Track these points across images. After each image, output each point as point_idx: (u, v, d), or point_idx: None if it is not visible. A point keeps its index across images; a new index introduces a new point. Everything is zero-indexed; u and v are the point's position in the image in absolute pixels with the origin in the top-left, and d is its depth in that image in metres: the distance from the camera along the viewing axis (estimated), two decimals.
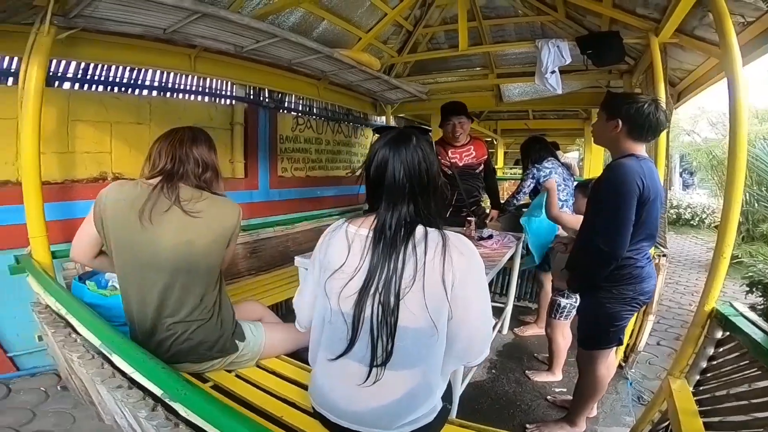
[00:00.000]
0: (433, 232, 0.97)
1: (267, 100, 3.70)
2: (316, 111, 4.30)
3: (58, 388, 2.20)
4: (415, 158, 0.97)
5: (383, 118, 4.98)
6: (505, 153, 9.25)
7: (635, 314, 2.21)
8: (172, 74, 2.99)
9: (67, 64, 2.46)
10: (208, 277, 1.37)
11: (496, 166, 4.89)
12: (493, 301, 3.12)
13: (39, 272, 1.76)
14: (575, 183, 2.67)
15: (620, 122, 1.50)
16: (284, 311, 2.64)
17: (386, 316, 0.92)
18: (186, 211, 1.28)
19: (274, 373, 1.53)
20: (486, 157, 3.10)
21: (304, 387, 1.34)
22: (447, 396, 1.11)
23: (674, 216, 10.12)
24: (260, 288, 2.67)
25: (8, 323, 2.23)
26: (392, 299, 0.92)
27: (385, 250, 0.94)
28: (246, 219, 1.49)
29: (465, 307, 0.95)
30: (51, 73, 2.35)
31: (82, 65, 2.51)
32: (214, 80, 3.27)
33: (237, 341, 1.48)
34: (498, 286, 3.60)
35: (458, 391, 1.69)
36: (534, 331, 2.95)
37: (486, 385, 2.31)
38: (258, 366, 1.57)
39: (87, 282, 1.74)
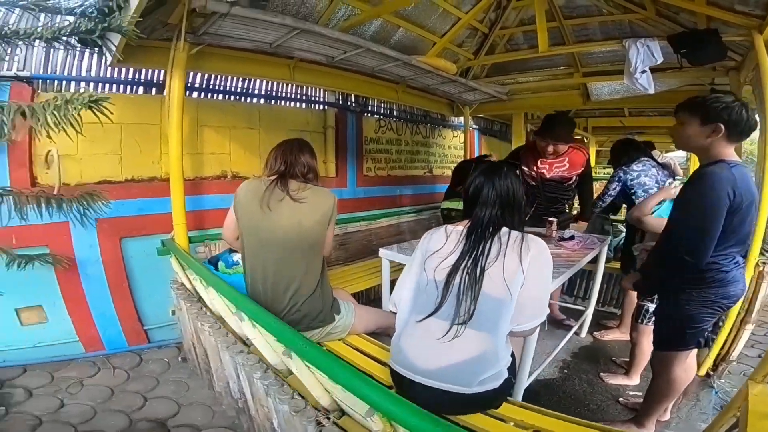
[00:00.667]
0: (514, 232, 1.29)
1: (353, 104, 4.03)
2: (396, 113, 4.55)
3: (179, 359, 2.57)
4: (504, 185, 1.33)
5: (461, 119, 5.05)
6: (598, 152, 8.64)
7: (726, 321, 2.11)
8: (275, 83, 3.41)
9: (195, 76, 2.94)
10: (312, 253, 1.68)
11: None
12: (573, 304, 3.09)
13: (182, 253, 2.16)
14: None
15: (722, 127, 1.44)
16: (364, 300, 2.89)
17: (472, 283, 1.20)
18: (295, 199, 1.63)
19: (357, 349, 1.75)
20: (583, 170, 2.85)
21: (383, 364, 1.54)
22: (511, 371, 1.27)
23: None
24: (347, 277, 2.93)
25: (147, 300, 2.71)
26: (478, 271, 1.21)
27: (476, 238, 1.27)
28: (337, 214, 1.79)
29: (533, 283, 1.21)
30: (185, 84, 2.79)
31: (207, 76, 3.00)
32: (310, 88, 3.65)
33: (334, 314, 1.76)
34: (581, 290, 3.50)
35: (524, 382, 1.76)
36: (615, 335, 2.85)
37: (555, 383, 2.32)
38: (344, 342, 1.81)
39: (219, 262, 2.12)
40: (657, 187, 2.57)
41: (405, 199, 4.57)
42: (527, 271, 1.21)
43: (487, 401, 1.25)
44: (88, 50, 2.45)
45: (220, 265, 2.12)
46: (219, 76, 3.07)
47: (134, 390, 2.24)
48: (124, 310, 2.62)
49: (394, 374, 1.29)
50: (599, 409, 2.09)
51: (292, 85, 3.51)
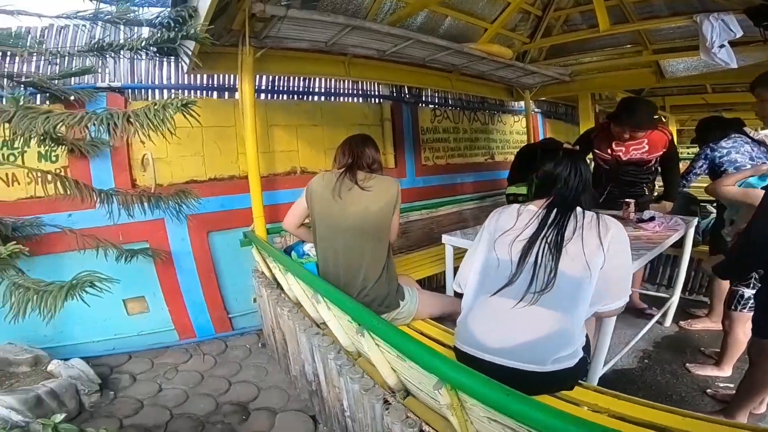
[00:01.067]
0: (588, 212, 1.30)
1: (407, 96, 4.07)
2: (451, 102, 4.52)
3: (259, 345, 2.77)
4: (586, 171, 1.36)
5: (521, 103, 4.89)
6: (679, 131, 7.90)
7: None
8: (332, 80, 3.54)
9: (260, 78, 3.14)
10: (379, 238, 1.77)
11: None
12: (657, 292, 2.90)
13: (262, 243, 2.34)
14: None
15: None
16: (427, 287, 2.92)
17: (552, 253, 1.20)
18: (362, 187, 1.74)
19: (422, 333, 1.81)
20: (664, 151, 2.63)
21: (448, 347, 1.57)
22: (586, 350, 1.25)
23: None
24: (410, 264, 3.00)
25: (231, 290, 2.97)
26: (558, 240, 1.21)
27: (558, 212, 1.28)
28: None
29: (615, 263, 1.20)
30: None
31: (271, 78, 3.20)
32: (365, 82, 3.75)
33: (399, 299, 1.83)
34: (664, 278, 3.27)
35: (598, 371, 1.70)
36: (705, 325, 2.64)
37: (634, 373, 2.22)
38: (409, 327, 1.87)
39: (292, 252, 2.28)
40: (751, 165, 2.34)
41: (466, 186, 4.53)
42: (608, 250, 1.19)
43: (561, 381, 1.22)
44: (165, 60, 2.73)
45: (293, 255, 2.28)
46: (282, 78, 3.26)
47: (220, 375, 2.44)
48: (212, 299, 2.89)
49: (461, 355, 1.27)
50: (683, 400, 1.97)
51: (348, 81, 3.62)
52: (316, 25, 2.31)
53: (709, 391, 2.00)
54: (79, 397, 2.01)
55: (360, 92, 3.77)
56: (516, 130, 5.32)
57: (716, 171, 2.48)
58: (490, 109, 4.95)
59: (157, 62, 2.76)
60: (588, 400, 1.24)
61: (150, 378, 2.40)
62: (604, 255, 1.18)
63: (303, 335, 1.81)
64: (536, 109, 5.51)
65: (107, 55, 2.15)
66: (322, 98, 3.52)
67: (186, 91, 2.89)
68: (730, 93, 5.09)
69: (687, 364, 2.23)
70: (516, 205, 1.38)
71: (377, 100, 3.87)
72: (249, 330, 2.97)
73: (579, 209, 1.30)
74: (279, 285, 2.22)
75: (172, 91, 2.84)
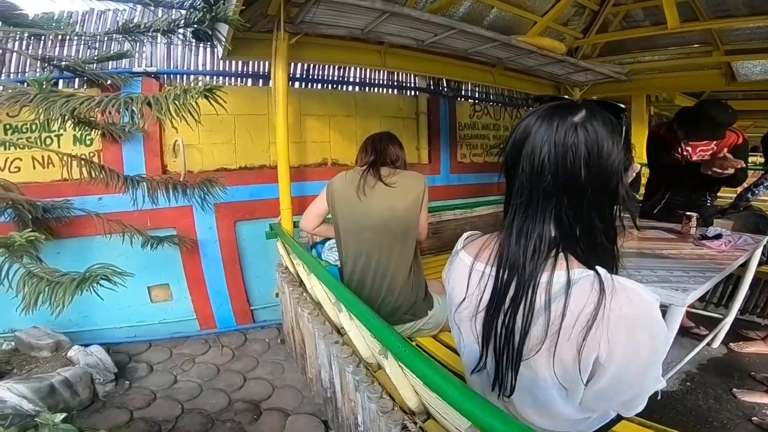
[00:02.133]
0: (584, 280, 0.65)
1: (446, 89, 3.89)
2: (492, 97, 4.30)
3: (278, 341, 2.70)
4: (572, 138, 0.64)
5: None
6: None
7: None
8: (367, 70, 3.41)
9: (295, 66, 3.05)
10: (406, 237, 1.64)
11: None
12: (705, 310, 2.63)
13: (288, 238, 2.25)
14: None
15: None
16: None
17: (509, 351, 0.72)
18: (387, 184, 1.62)
19: (448, 346, 1.66)
20: (736, 152, 2.24)
21: None
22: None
23: None
24: (441, 266, 2.80)
25: (255, 281, 2.92)
26: (517, 335, 0.69)
27: (509, 281, 0.70)
28: (430, 201, 1.69)
29: (619, 374, 0.66)
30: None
31: (306, 66, 3.10)
32: (401, 73, 3.60)
33: (427, 308, 1.70)
34: (714, 296, 2.96)
35: None
36: (758, 348, 2.38)
37: (675, 396, 2.01)
38: (435, 338, 1.74)
39: (313, 250, 2.19)
40: None
41: (504, 187, 4.28)
42: (603, 367, 0.65)
43: None
44: (202, 45, 2.68)
45: (313, 253, 2.18)
46: (317, 66, 3.16)
47: (236, 369, 2.38)
48: (235, 290, 2.86)
49: None
50: (724, 427, 1.77)
51: (383, 72, 3.49)
52: (352, 10, 2.18)
53: (755, 419, 1.78)
54: (93, 386, 2.01)
55: (395, 83, 3.62)
56: None
57: None
58: (533, 106, 4.66)
59: (193, 48, 2.73)
60: None
61: (167, 369, 2.39)
62: (592, 367, 0.66)
63: (322, 341, 1.70)
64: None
65: (141, 39, 2.12)
66: (357, 88, 3.40)
67: (221, 78, 2.85)
68: None
69: (733, 390, 2.00)
70: (465, 259, 0.83)
71: (413, 92, 3.71)
72: (270, 323, 2.92)
73: (563, 273, 0.66)
74: (302, 283, 2.13)
75: (207, 77, 2.80)
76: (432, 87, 3.81)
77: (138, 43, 2.28)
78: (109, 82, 2.36)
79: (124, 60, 2.51)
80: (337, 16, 2.25)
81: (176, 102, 1.48)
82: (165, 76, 2.68)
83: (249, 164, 2.86)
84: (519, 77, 3.99)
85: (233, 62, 2.83)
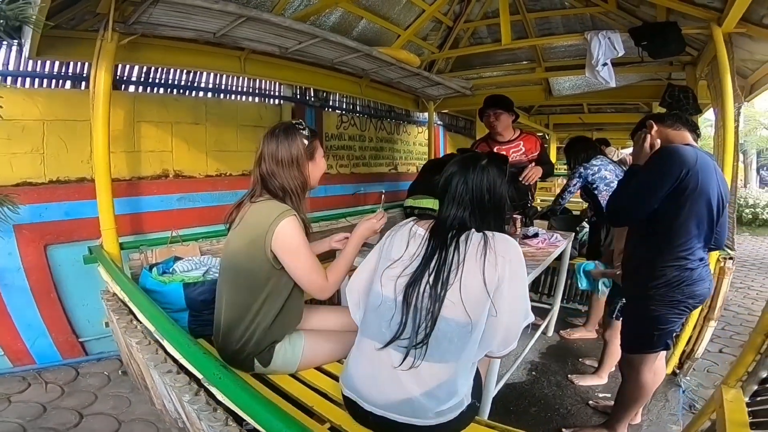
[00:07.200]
0: (476, 234, 1.08)
1: (312, 99, 3.82)
2: (359, 109, 4.38)
3: (119, 372, 2.36)
4: (479, 178, 1.13)
5: (425, 115, 4.94)
6: (558, 148, 8.84)
7: (689, 318, 2.09)
8: (224, 76, 3.15)
9: (131, 69, 2.67)
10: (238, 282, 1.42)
11: None
12: (539, 301, 3.09)
13: (108, 262, 1.93)
14: None
15: None
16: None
17: (432, 302, 1.01)
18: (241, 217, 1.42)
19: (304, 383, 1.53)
20: (539, 152, 2.93)
21: (337, 379, 1.36)
22: (476, 393, 1.13)
23: (750, 216, 9.15)
24: None
25: (80, 310, 2.44)
26: (439, 286, 1.02)
27: (436, 245, 1.07)
28: None
29: (508, 306, 1.03)
30: (118, 77, 2.57)
31: (145, 69, 2.72)
32: (263, 81, 3.41)
33: (257, 363, 1.40)
34: (545, 287, 3.48)
35: (492, 391, 1.67)
36: (582, 334, 2.84)
37: (524, 387, 2.26)
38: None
39: (153, 269, 1.90)
40: (617, 181, 2.59)
41: (371, 197, 4.38)
42: (497, 294, 1.02)
43: (448, 430, 1.09)
44: (5, 43, 2.18)
45: (153, 272, 1.90)
46: (160, 69, 2.79)
47: (69, 406, 2.05)
48: (54, 321, 2.37)
49: (346, 398, 1.14)
50: (569, 413, 2.03)
51: (243, 78, 3.27)
52: (201, 12, 1.98)
53: (591, 402, 2.09)
54: None
55: (257, 91, 3.42)
56: (419, 141, 5.36)
57: (589, 188, 2.72)
58: (396, 118, 4.92)
59: None
60: None
61: None
62: (490, 297, 1.02)
63: (155, 371, 1.46)
64: (438, 122, 5.63)
65: None
66: (209, 94, 3.11)
67: (29, 79, 2.32)
68: (602, 113, 5.82)
69: (569, 375, 2.33)
70: (410, 224, 1.18)
71: (277, 101, 3.55)
72: (108, 355, 2.50)
73: (473, 232, 1.09)
74: (130, 310, 1.83)
75: (8, 78, 2.25)
76: (298, 96, 3.70)
77: None
78: None
79: None
80: (182, 18, 2.03)
81: None
82: None
83: (63, 177, 2.35)
84: (384, 89, 4.16)
85: (48, 62, 2.34)
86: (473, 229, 1.09)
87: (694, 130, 1.58)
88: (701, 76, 2.79)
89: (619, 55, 2.63)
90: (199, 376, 1.27)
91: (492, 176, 1.14)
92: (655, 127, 1.59)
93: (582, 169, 2.71)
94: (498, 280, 1.02)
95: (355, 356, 1.14)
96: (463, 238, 1.07)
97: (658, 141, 1.58)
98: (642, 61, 2.75)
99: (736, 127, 2.18)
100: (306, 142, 1.39)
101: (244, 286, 1.35)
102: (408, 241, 1.13)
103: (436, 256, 1.05)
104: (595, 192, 2.67)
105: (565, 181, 3.17)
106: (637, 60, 2.82)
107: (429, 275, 1.04)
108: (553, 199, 3.21)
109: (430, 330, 1.00)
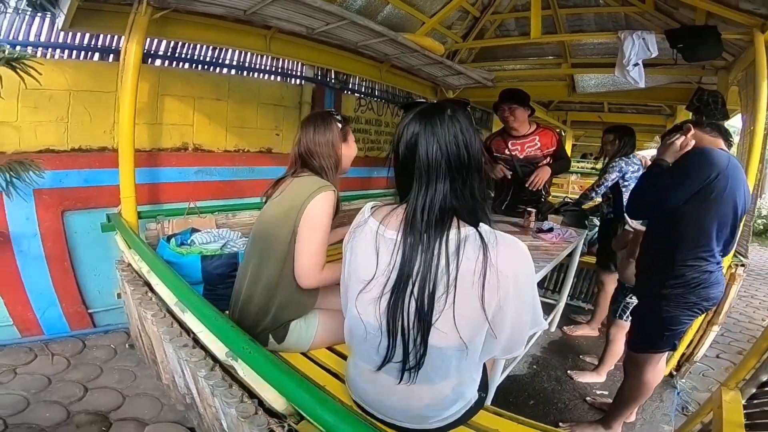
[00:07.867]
0: (473, 236, 0.83)
1: (333, 80, 3.81)
2: (377, 93, 4.36)
3: (126, 346, 2.40)
4: (451, 132, 0.84)
5: None
6: (574, 145, 8.73)
7: (696, 322, 2.10)
8: (249, 54, 3.14)
9: (159, 43, 2.67)
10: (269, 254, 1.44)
11: None
12: (545, 297, 3.11)
13: (127, 230, 1.97)
14: None
15: None
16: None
17: (420, 327, 0.85)
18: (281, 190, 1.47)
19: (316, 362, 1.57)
20: (555, 148, 2.82)
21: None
22: (482, 386, 1.12)
23: (761, 227, 8.95)
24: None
25: (92, 280, 2.48)
26: (426, 309, 0.83)
27: (415, 247, 0.84)
28: None
29: (509, 324, 0.87)
30: (146, 51, 2.55)
31: (172, 44, 2.73)
32: (286, 61, 3.40)
33: (272, 339, 1.46)
34: (552, 282, 3.50)
35: (496, 381, 1.70)
36: (585, 331, 2.86)
37: (525, 380, 2.31)
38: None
39: (172, 240, 1.94)
40: None
41: (381, 181, 4.39)
42: (496, 314, 0.84)
43: (456, 424, 1.06)
44: (39, 14, 2.19)
45: (172, 242, 1.94)
46: (186, 44, 2.80)
47: (74, 379, 2.07)
48: (65, 291, 2.40)
49: (354, 401, 1.13)
50: (567, 408, 2.08)
51: (267, 57, 3.25)
52: None
53: (588, 399, 2.14)
54: None
55: (279, 70, 3.41)
56: None
57: (617, 184, 2.64)
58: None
59: (28, 17, 2.19)
60: (481, 423, 1.17)
61: None
62: (490, 325, 0.85)
63: (169, 345, 1.49)
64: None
65: None
66: (233, 71, 3.11)
67: (60, 50, 2.33)
68: (623, 114, 5.70)
69: (569, 371, 2.38)
70: (371, 224, 0.93)
71: (298, 81, 3.54)
72: (116, 328, 2.53)
73: (455, 231, 0.84)
74: (146, 281, 1.88)
75: (40, 49, 2.27)
76: (319, 77, 3.69)
77: None
78: None
79: None
80: None
81: None
82: None
83: (85, 146, 2.38)
84: (403, 75, 4.13)
85: (78, 34, 2.35)
86: (463, 222, 0.86)
87: (728, 138, 1.57)
88: (733, 81, 2.73)
89: (653, 56, 2.57)
90: (220, 352, 1.30)
91: (464, 125, 0.86)
92: (692, 131, 1.58)
93: (623, 164, 2.61)
94: (499, 302, 0.83)
95: (353, 373, 1.08)
96: (452, 235, 0.84)
97: (693, 142, 1.57)
98: (675, 63, 2.67)
99: (766, 135, 2.15)
100: (340, 125, 1.51)
101: (271, 256, 1.38)
102: (377, 249, 0.90)
103: (417, 266, 0.84)
104: (623, 189, 2.61)
105: (575, 178, 3.14)
106: (669, 62, 2.75)
107: (412, 295, 0.84)
108: (566, 194, 3.16)
109: (422, 356, 0.87)
